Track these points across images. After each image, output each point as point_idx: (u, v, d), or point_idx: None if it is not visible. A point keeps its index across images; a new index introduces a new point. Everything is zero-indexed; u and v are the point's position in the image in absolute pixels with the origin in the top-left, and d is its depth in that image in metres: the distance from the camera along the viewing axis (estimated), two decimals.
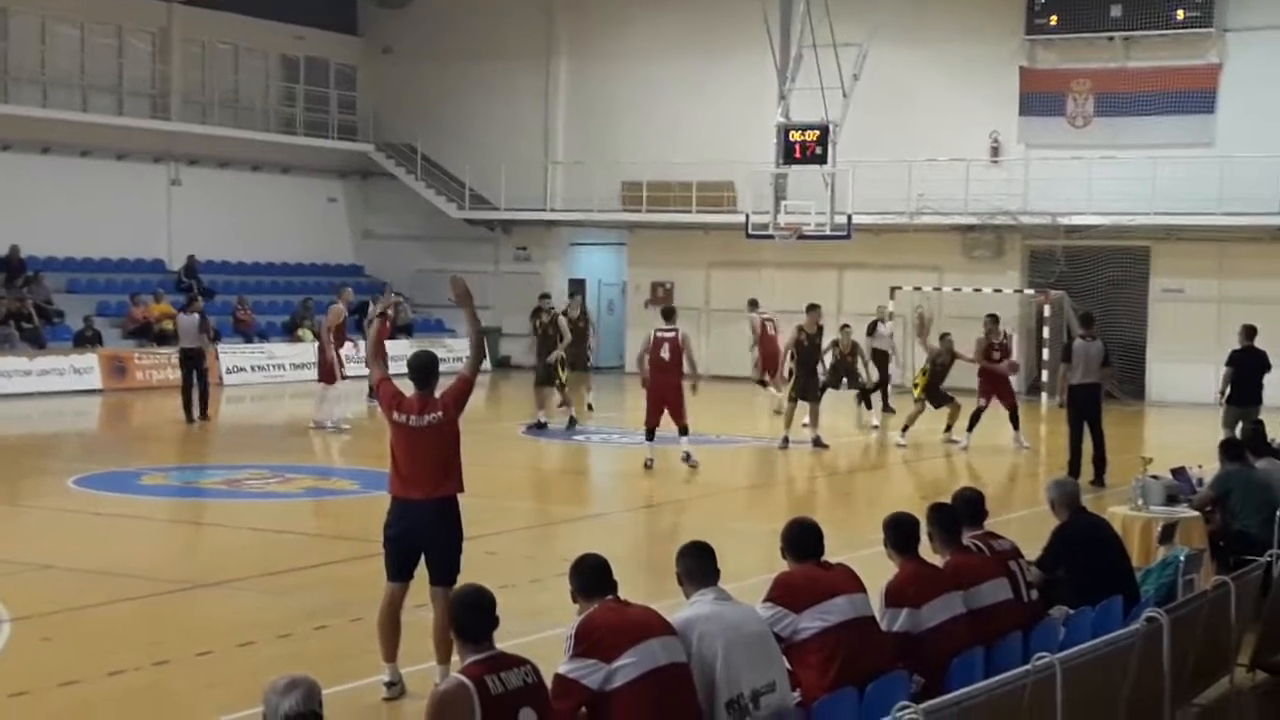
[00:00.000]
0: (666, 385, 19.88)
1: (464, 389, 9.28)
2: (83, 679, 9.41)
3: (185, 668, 9.85)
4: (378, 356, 10.33)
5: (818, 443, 22.10)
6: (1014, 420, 22.71)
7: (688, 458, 19.80)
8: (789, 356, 22.60)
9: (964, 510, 8.67)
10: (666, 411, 19.70)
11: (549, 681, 5.99)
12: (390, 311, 24.85)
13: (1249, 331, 20.04)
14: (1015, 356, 25.50)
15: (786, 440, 22.07)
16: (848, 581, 7.21)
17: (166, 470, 19.49)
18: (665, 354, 19.80)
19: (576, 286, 38.92)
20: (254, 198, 37.05)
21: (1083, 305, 29.80)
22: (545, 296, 25.25)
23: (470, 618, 5.93)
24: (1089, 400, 18.79)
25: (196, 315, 24.92)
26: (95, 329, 30.76)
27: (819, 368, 22.67)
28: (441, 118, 38.42)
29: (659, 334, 20.07)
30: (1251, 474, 12.15)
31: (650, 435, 19.90)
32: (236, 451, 22.02)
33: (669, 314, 20.95)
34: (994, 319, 23.50)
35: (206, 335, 25.85)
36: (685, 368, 19.88)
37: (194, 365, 24.75)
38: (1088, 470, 18.20)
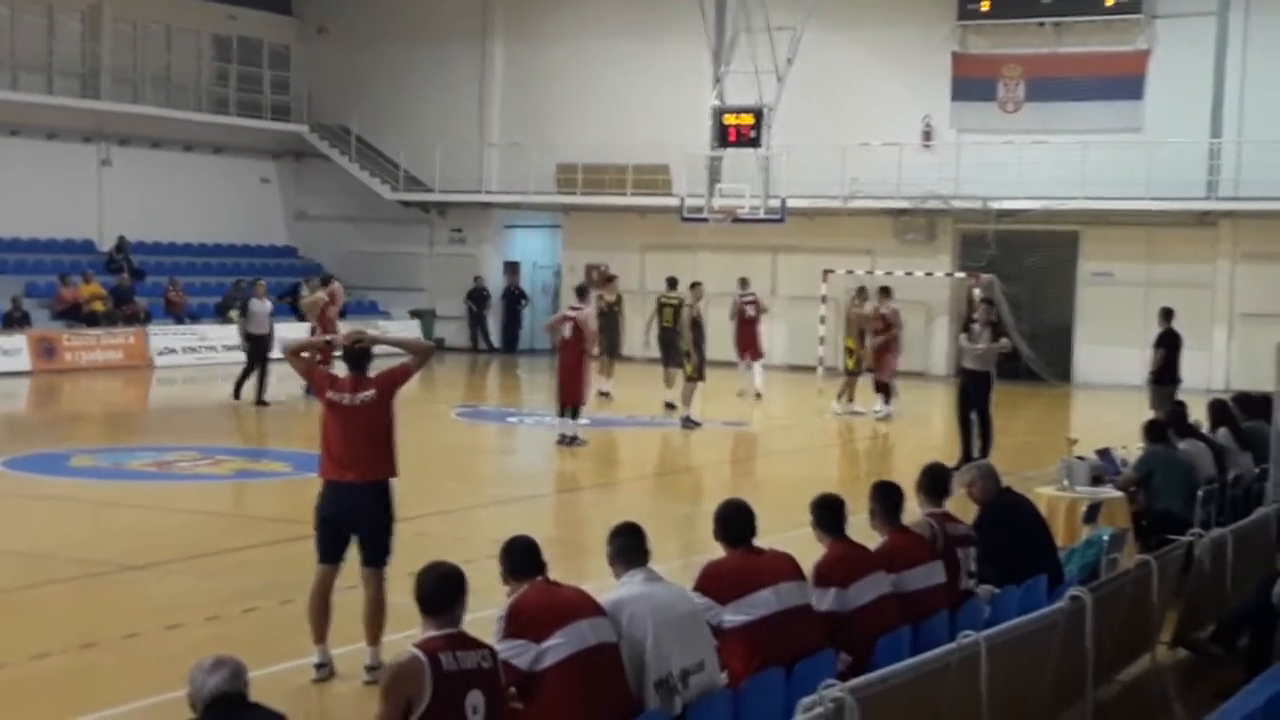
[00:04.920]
0: (562, 363, 20.02)
1: (402, 374, 9.27)
2: (8, 662, 9.33)
3: (113, 650, 9.80)
4: (296, 353, 9.77)
5: (688, 421, 22.21)
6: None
7: (572, 439, 19.87)
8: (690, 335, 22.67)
9: (928, 483, 8.73)
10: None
11: None
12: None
13: (1168, 314, 20.56)
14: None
15: (690, 420, 22.16)
16: (776, 570, 7.22)
17: (95, 452, 19.29)
18: (567, 332, 19.84)
19: (511, 269, 38.91)
20: (186, 178, 36.67)
21: (1013, 288, 30.15)
22: (674, 284, 25.33)
23: (438, 590, 5.94)
24: (981, 386, 18.78)
25: (269, 301, 25.46)
26: (23, 310, 30.36)
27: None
28: (376, 99, 38.18)
29: (565, 312, 20.33)
30: (1174, 455, 12.35)
31: (560, 412, 20.11)
32: (167, 433, 21.85)
33: (580, 291, 21.07)
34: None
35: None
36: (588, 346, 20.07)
37: (263, 350, 24.44)
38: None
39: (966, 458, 17.67)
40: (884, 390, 24.37)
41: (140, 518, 15.19)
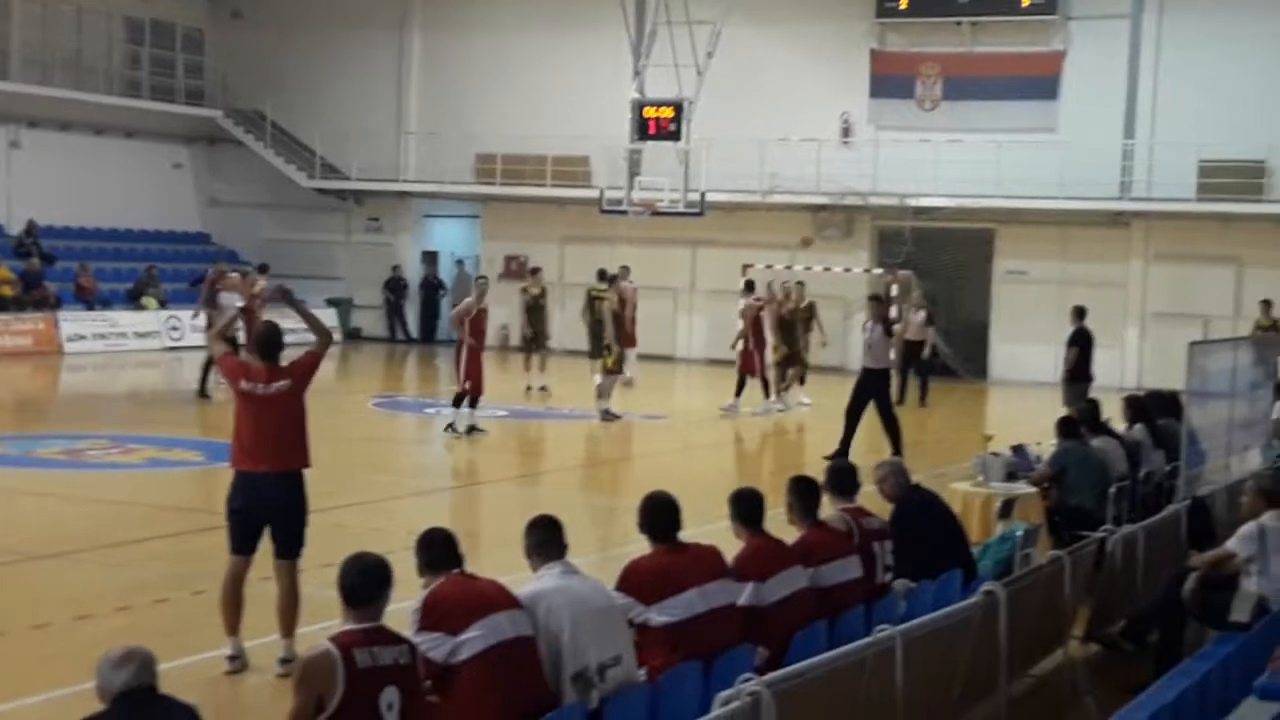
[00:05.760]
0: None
1: (313, 363, 9.24)
2: None
3: (20, 640, 9.65)
4: (220, 337, 10.37)
5: (607, 414, 22.22)
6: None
7: (470, 429, 19.81)
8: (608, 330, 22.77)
9: (834, 481, 8.71)
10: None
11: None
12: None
13: (1081, 312, 20.87)
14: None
15: (609, 412, 22.16)
16: (701, 569, 7.16)
17: (3, 439, 18.95)
18: (485, 325, 20.01)
19: (429, 258, 38.68)
20: (97, 162, 36.10)
21: (929, 285, 30.39)
22: (604, 276, 24.90)
23: (360, 584, 5.88)
24: (877, 383, 18.78)
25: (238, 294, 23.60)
26: None
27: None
28: (292, 85, 37.77)
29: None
30: (1087, 451, 12.47)
31: (472, 402, 19.99)
32: (77, 421, 21.51)
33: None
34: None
35: None
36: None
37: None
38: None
39: (843, 451, 17.69)
40: (765, 386, 24.30)
41: (49, 506, 14.96)
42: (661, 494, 7.42)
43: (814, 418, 24.03)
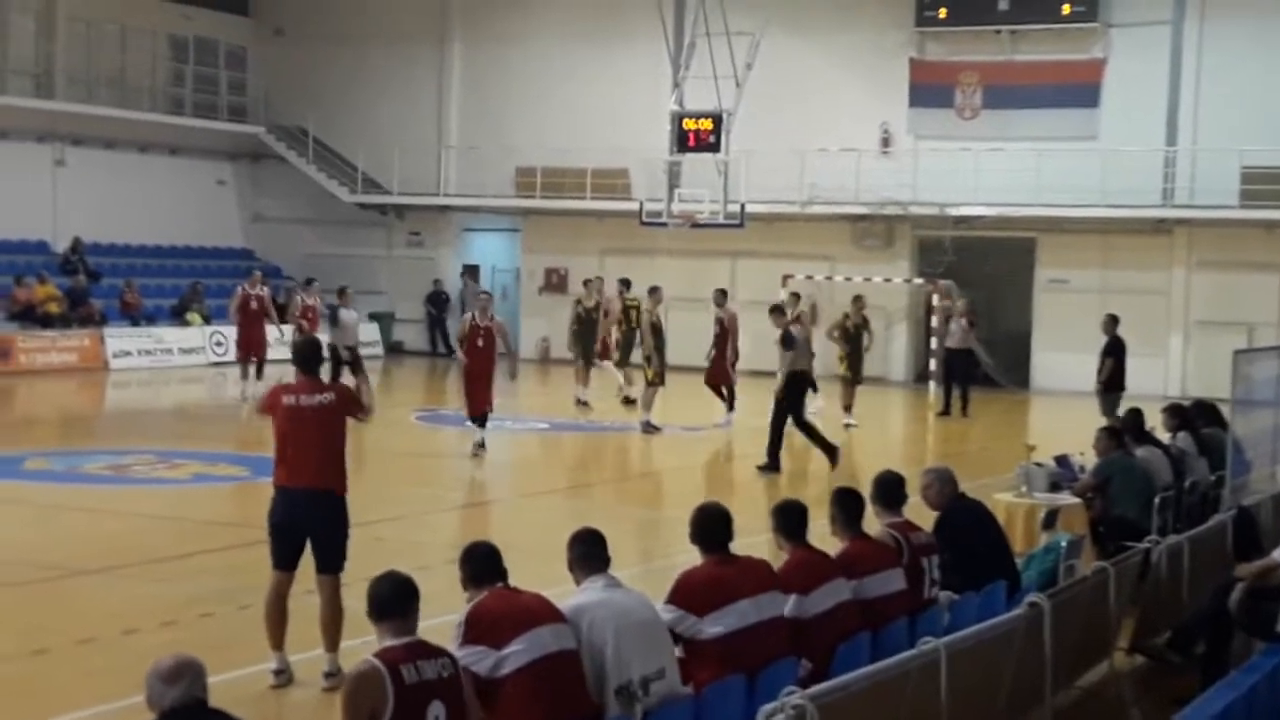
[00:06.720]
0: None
1: (355, 397, 9.37)
2: None
3: (66, 656, 9.71)
4: None
5: (648, 426, 22.11)
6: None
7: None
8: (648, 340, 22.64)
9: (881, 493, 8.63)
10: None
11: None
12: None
13: (1115, 321, 20.83)
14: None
15: (650, 424, 22.09)
16: (751, 580, 7.16)
17: (50, 455, 19.11)
18: (481, 341, 19.42)
19: (470, 272, 38.81)
20: (141, 179, 36.38)
21: (970, 295, 30.29)
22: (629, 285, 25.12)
23: (390, 598, 5.91)
24: (805, 387, 19.03)
25: (354, 311, 24.04)
26: None
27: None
28: (334, 101, 38.01)
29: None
30: (1131, 461, 12.39)
31: (480, 421, 19.66)
32: (123, 436, 21.67)
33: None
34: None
35: None
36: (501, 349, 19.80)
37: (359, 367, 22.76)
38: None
39: (829, 453, 18.33)
40: (728, 398, 23.71)
41: (95, 522, 15.06)
42: (714, 505, 7.44)
43: (859, 431, 23.95)
